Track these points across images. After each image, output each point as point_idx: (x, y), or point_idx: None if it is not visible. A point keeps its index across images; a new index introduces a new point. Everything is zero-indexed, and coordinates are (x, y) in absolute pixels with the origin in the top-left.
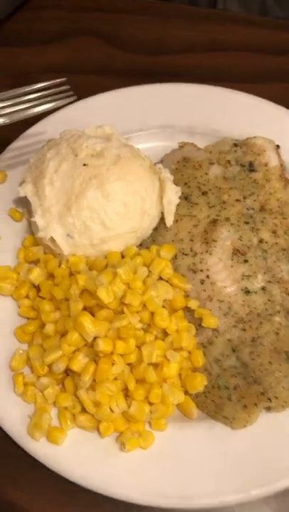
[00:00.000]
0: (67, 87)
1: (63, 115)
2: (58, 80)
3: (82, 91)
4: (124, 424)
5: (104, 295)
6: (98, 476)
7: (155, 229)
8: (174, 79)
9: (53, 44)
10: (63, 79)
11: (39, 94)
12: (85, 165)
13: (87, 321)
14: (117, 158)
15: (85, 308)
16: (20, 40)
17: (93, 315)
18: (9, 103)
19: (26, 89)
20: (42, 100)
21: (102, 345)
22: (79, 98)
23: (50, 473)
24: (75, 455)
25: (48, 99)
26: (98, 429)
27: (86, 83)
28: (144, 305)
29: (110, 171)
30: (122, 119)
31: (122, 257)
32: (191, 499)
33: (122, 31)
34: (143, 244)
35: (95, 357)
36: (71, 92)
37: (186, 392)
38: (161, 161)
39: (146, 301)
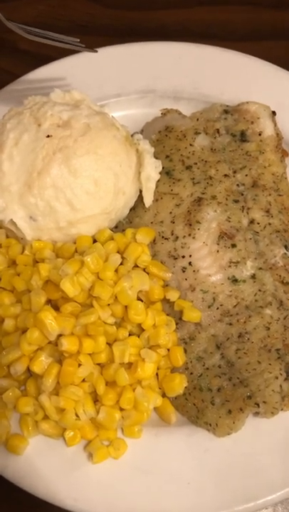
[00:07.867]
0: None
1: (31, 79)
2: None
3: (56, 51)
4: (93, 432)
5: (69, 287)
6: (63, 490)
7: (132, 209)
8: (159, 38)
9: None
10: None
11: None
12: (48, 136)
13: (48, 317)
14: (86, 128)
15: (49, 302)
16: None
17: (58, 309)
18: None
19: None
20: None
21: (67, 344)
22: (52, 60)
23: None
24: (37, 466)
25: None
26: (64, 437)
27: None
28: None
29: (78, 144)
30: (97, 83)
31: (94, 241)
32: None
33: None
34: (119, 227)
35: (60, 357)
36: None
37: (164, 394)
38: (141, 131)
39: (118, 293)
